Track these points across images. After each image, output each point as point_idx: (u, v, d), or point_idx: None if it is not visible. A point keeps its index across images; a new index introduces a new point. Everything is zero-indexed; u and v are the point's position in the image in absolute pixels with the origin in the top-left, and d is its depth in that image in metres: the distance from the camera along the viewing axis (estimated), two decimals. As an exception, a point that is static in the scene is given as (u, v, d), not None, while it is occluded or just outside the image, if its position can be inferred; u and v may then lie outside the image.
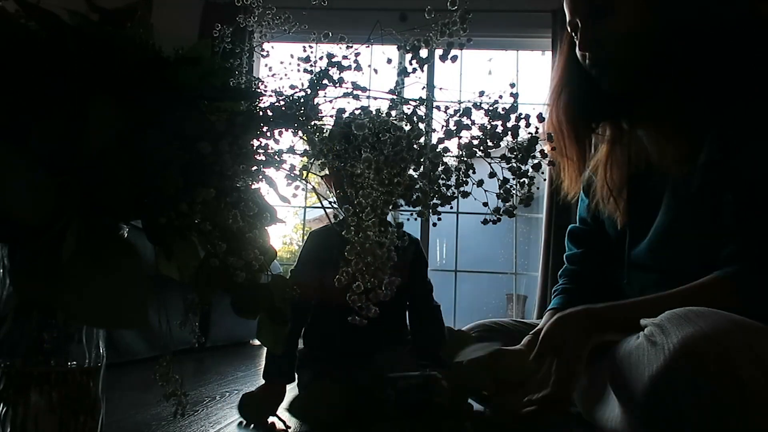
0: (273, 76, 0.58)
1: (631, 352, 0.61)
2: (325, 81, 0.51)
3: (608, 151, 0.99)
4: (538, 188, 0.85)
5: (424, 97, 0.52)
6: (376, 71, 0.55)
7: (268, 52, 0.65)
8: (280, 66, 0.57)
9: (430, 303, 1.19)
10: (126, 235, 0.54)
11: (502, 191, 0.49)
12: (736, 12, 0.76)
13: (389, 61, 0.51)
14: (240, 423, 0.98)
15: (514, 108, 0.49)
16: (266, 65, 0.61)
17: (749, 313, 0.60)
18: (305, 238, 1.43)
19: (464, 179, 0.48)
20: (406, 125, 0.48)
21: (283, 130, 0.52)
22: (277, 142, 0.53)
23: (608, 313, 0.77)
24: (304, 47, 0.53)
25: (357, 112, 0.52)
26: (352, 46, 0.52)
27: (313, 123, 0.50)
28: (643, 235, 0.89)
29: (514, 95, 0.51)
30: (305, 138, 0.52)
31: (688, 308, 0.60)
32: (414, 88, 0.54)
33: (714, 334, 0.53)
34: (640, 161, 0.93)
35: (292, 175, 0.55)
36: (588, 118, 0.97)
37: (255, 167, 0.51)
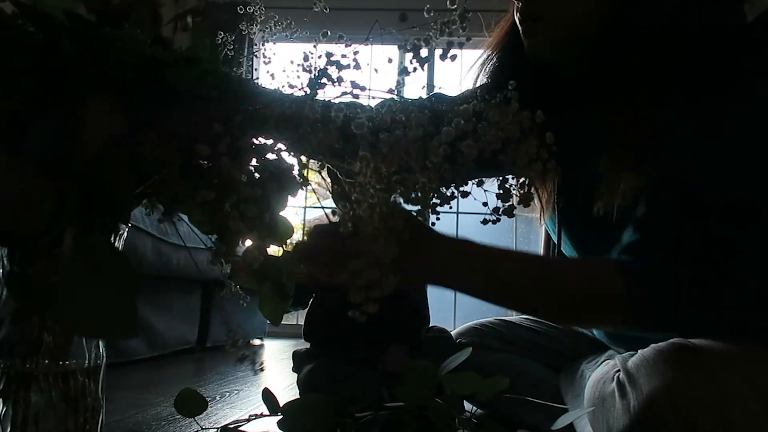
0: (272, 77, 0.58)
1: (605, 398, 0.60)
2: (324, 80, 0.51)
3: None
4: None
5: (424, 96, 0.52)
6: (376, 70, 0.55)
7: (269, 59, 0.65)
8: (278, 68, 0.57)
9: (420, 300, 1.20)
10: (126, 235, 0.54)
11: (501, 191, 0.49)
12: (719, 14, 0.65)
13: (390, 60, 0.51)
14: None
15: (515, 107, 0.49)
16: (265, 60, 0.61)
17: (636, 307, 0.60)
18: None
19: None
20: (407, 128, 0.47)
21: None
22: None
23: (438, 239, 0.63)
24: (305, 54, 0.53)
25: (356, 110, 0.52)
26: (351, 45, 0.52)
27: (312, 120, 0.50)
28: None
29: (513, 94, 0.51)
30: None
31: (658, 351, 0.56)
32: (414, 88, 0.54)
33: (677, 393, 0.52)
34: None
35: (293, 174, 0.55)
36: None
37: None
